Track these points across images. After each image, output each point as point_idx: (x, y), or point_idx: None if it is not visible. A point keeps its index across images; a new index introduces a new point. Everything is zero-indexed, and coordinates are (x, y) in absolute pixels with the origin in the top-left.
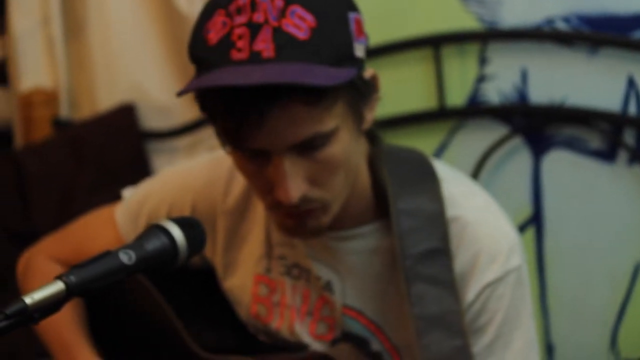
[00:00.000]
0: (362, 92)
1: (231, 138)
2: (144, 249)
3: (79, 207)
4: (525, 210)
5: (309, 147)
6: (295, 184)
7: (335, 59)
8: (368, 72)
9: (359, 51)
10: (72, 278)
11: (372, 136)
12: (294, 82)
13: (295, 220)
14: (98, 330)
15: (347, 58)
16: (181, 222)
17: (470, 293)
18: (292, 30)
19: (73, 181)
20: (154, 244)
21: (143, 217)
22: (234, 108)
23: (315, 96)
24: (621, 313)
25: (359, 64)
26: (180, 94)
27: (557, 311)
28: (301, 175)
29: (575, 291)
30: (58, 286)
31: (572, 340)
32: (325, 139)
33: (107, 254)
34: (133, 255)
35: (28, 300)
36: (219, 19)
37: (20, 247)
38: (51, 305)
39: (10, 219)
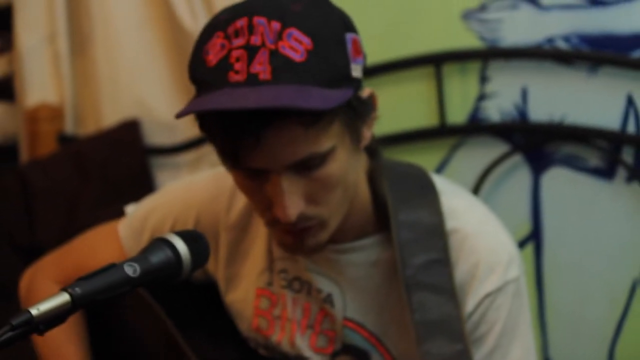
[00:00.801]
0: (359, 111)
1: (229, 158)
2: (148, 262)
3: (84, 221)
4: (525, 226)
5: (306, 167)
6: (293, 203)
7: (332, 81)
8: (366, 91)
9: (356, 71)
10: (77, 290)
11: (372, 151)
12: (288, 106)
13: (294, 238)
14: (99, 344)
15: (343, 79)
16: (185, 235)
17: (470, 303)
18: (288, 52)
19: (78, 196)
20: (158, 257)
21: (147, 232)
22: (231, 130)
23: (312, 118)
24: (619, 329)
25: (355, 84)
26: (178, 116)
27: (555, 327)
28: (299, 194)
29: (573, 307)
30: (63, 298)
31: (570, 356)
32: (322, 158)
33: (112, 267)
34: (138, 268)
35: (34, 311)
36: (217, 41)
37: (25, 260)
38: (56, 317)
39: (15, 232)
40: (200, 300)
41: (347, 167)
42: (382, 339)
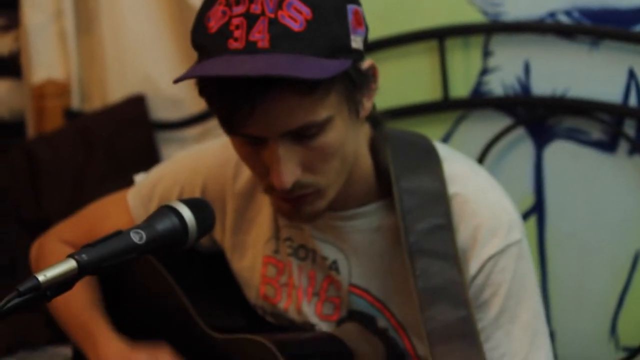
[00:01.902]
0: (357, 82)
1: (225, 124)
2: (154, 229)
3: (90, 196)
4: (528, 199)
5: (303, 135)
6: (288, 170)
7: (330, 51)
8: (366, 63)
9: (356, 43)
10: (84, 256)
11: (374, 121)
12: (282, 75)
13: (291, 205)
14: (109, 311)
15: (342, 49)
16: (191, 203)
17: (472, 267)
18: (287, 22)
19: (84, 171)
20: (164, 225)
21: (155, 200)
22: (227, 97)
23: (308, 87)
24: (621, 301)
25: (355, 55)
26: (176, 81)
27: (558, 298)
28: (295, 161)
29: (575, 279)
30: (70, 264)
31: (572, 327)
32: (319, 128)
33: (118, 234)
34: (144, 235)
35: (41, 277)
36: (219, 8)
37: (32, 235)
38: (63, 283)
39: (22, 207)
40: (207, 269)
41: (345, 137)
42: (388, 304)
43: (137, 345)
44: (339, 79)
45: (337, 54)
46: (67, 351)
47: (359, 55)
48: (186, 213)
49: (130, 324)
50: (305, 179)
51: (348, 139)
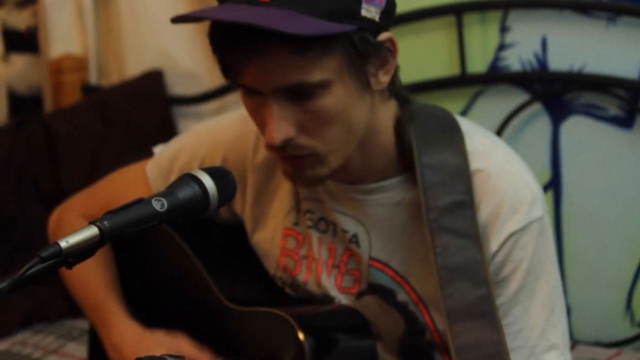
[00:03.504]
0: (362, 51)
1: (223, 71)
2: (176, 197)
3: (108, 170)
4: (544, 174)
5: (298, 95)
6: (279, 127)
7: (331, 14)
8: (383, 35)
9: (368, 12)
10: (106, 223)
11: (402, 99)
12: (264, 26)
13: (292, 168)
14: (128, 283)
15: (348, 15)
16: (212, 171)
17: (493, 243)
18: None
19: (101, 144)
20: (185, 192)
21: (174, 172)
22: (223, 43)
23: (301, 45)
24: (636, 276)
25: (364, 23)
26: (173, 20)
27: (574, 274)
28: (289, 120)
29: (592, 254)
30: (92, 231)
31: (588, 303)
32: (315, 89)
33: (139, 201)
34: (165, 202)
35: (62, 243)
36: None
37: (50, 208)
38: (85, 250)
39: (40, 181)
40: (226, 241)
41: (347, 105)
42: (407, 278)
43: (152, 329)
44: (339, 44)
45: (339, 18)
46: (83, 324)
47: (369, 25)
48: (207, 181)
49: (147, 296)
50: (300, 141)
51: (353, 109)
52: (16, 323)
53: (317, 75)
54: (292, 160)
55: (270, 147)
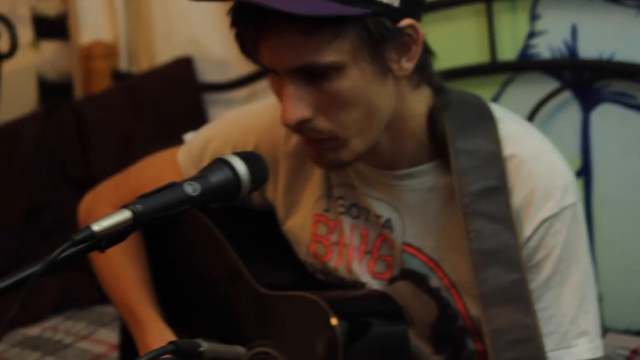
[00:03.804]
0: (376, 35)
1: (241, 49)
2: (208, 181)
3: (138, 156)
4: (574, 162)
5: (313, 76)
6: (293, 107)
7: None
8: (404, 22)
9: None
10: (139, 207)
11: (437, 87)
12: (272, 7)
13: (314, 150)
14: (159, 268)
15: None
16: (244, 156)
17: (527, 229)
18: None
19: (132, 131)
20: (217, 177)
21: (206, 159)
22: (238, 21)
23: (311, 26)
24: None
25: (380, 7)
26: None
27: (605, 262)
28: (305, 101)
29: (622, 241)
30: (125, 214)
31: (619, 290)
32: (328, 71)
33: (172, 185)
34: (198, 187)
35: (95, 227)
36: None
37: (80, 194)
38: (118, 234)
39: (71, 166)
40: (258, 227)
41: (365, 90)
42: (440, 264)
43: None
44: (352, 27)
45: (353, 2)
46: (114, 311)
47: (386, 10)
48: (239, 165)
49: (178, 281)
50: (318, 123)
51: (372, 93)
52: (47, 308)
53: (328, 57)
54: (314, 143)
55: (286, 127)
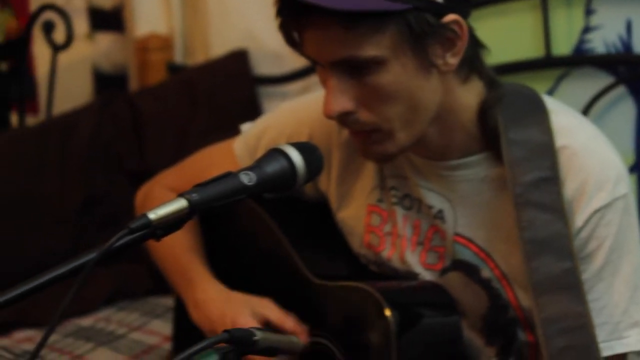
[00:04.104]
0: (417, 30)
1: (286, 40)
2: (263, 171)
3: (193, 148)
4: (628, 158)
5: (355, 69)
6: (335, 99)
7: None
8: (448, 17)
9: None
10: (195, 196)
11: (490, 81)
12: (313, 2)
13: (360, 142)
14: (213, 257)
15: None
16: (300, 146)
17: (578, 220)
18: None
19: (187, 123)
20: (273, 167)
21: (261, 149)
22: (282, 10)
23: (350, 20)
24: None
25: (423, 3)
26: None
27: None
28: (347, 94)
29: None
30: (181, 203)
31: None
32: (369, 64)
33: (228, 175)
34: (253, 176)
35: (151, 215)
36: None
37: (136, 185)
38: (173, 222)
39: (126, 158)
40: (311, 217)
41: (407, 84)
42: (492, 254)
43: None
44: (392, 22)
45: None
46: (168, 302)
47: (429, 5)
48: (295, 156)
49: (232, 270)
50: (361, 116)
51: (415, 88)
52: (100, 299)
53: (368, 50)
54: (359, 134)
55: (328, 118)
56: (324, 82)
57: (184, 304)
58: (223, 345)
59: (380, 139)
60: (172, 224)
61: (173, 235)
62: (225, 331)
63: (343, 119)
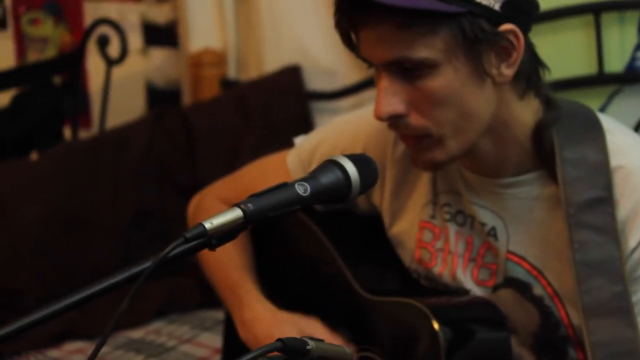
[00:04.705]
0: (471, 36)
1: (342, 38)
2: (318, 182)
3: (244, 163)
4: None
5: (408, 71)
6: (386, 100)
7: None
8: (504, 26)
9: (488, 1)
10: (250, 206)
11: (548, 100)
12: None
13: (410, 148)
14: (263, 270)
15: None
16: (355, 158)
17: (632, 240)
18: None
19: (239, 138)
20: (328, 178)
21: (314, 163)
22: (338, 9)
23: (403, 20)
24: None
25: (479, 9)
26: None
27: None
28: (398, 96)
29: None
30: (236, 213)
31: None
32: (421, 67)
33: (283, 185)
34: (308, 187)
35: (207, 224)
36: None
37: (187, 200)
38: (228, 232)
39: (178, 173)
40: (363, 231)
41: (459, 91)
42: (544, 272)
43: (285, 311)
44: (445, 24)
45: (450, 0)
46: (218, 315)
47: (485, 12)
48: (350, 167)
49: (281, 284)
50: (412, 120)
51: (467, 95)
52: (151, 312)
53: (421, 52)
54: (409, 139)
55: (379, 120)
56: (377, 84)
57: (233, 320)
58: (276, 354)
59: (430, 145)
60: (227, 233)
61: (225, 251)
62: (279, 340)
63: (393, 121)
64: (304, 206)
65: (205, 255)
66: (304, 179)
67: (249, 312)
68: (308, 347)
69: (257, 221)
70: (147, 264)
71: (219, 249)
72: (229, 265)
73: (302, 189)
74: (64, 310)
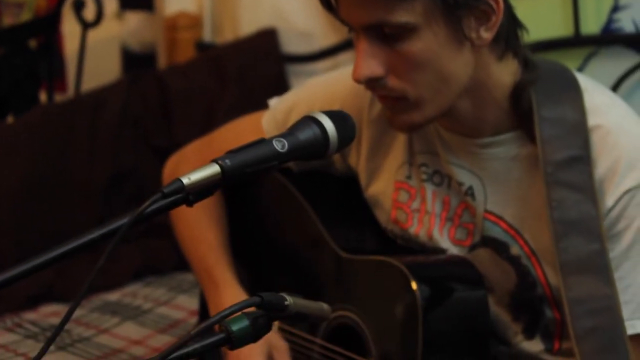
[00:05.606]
0: (453, 2)
1: (322, 1)
2: (296, 138)
3: (220, 125)
4: None
5: (386, 35)
6: (364, 63)
7: None
8: None
9: None
10: (227, 161)
11: (526, 61)
12: None
13: (387, 109)
14: (239, 232)
15: None
16: (332, 114)
17: (609, 199)
18: None
19: (215, 100)
20: (306, 134)
21: (290, 124)
22: None
23: None
24: None
25: None
26: None
27: None
28: (376, 59)
29: None
30: (214, 168)
31: None
32: (401, 31)
33: (261, 141)
34: (286, 143)
35: (185, 180)
36: None
37: (163, 162)
38: (206, 188)
39: (154, 135)
40: (339, 192)
41: (438, 54)
42: (521, 232)
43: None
44: None
45: None
46: (194, 277)
47: None
48: (327, 123)
49: (257, 243)
50: (389, 82)
51: (446, 58)
52: (127, 275)
53: (400, 16)
54: (386, 100)
55: (357, 82)
56: (356, 47)
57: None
58: (254, 309)
59: (407, 107)
60: (204, 189)
61: (200, 228)
62: (257, 295)
63: (371, 84)
64: (281, 162)
65: (181, 232)
66: (282, 135)
67: (223, 298)
68: (286, 302)
69: (235, 177)
70: (125, 220)
71: (194, 226)
72: (204, 247)
73: (279, 145)
74: (41, 266)
